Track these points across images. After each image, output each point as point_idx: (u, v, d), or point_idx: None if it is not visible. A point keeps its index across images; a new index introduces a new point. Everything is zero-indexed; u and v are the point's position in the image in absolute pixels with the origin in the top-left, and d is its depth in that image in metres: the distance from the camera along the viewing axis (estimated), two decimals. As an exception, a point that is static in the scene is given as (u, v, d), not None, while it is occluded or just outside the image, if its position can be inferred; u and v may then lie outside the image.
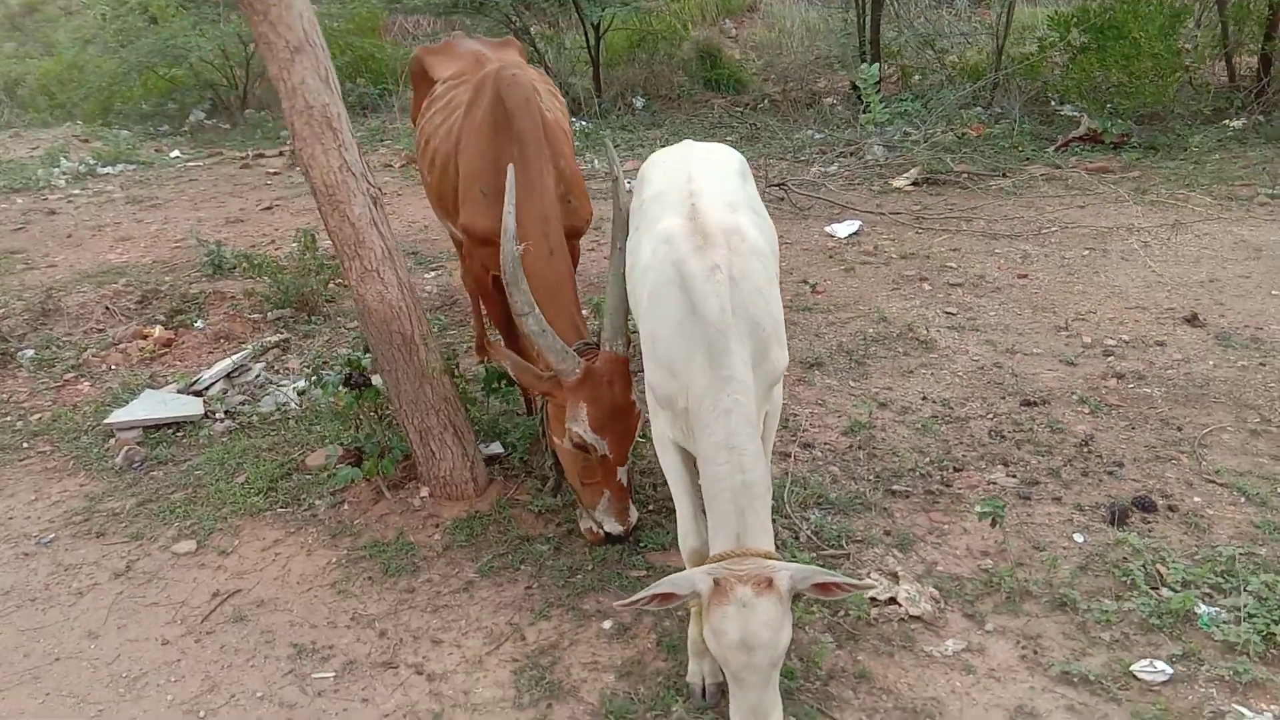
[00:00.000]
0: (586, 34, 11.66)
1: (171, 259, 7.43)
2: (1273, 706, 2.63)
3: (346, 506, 3.79)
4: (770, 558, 2.32)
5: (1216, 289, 5.48)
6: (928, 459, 3.91)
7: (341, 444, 4.00)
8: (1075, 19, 9.07)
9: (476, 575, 3.36)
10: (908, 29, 11.29)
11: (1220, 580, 3.09)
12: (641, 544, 3.41)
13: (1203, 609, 2.99)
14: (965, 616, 3.06)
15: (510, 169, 3.19)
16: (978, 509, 3.26)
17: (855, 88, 10.85)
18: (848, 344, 5.00)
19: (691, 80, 12.46)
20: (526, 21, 11.53)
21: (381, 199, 3.47)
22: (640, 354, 2.88)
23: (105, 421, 4.51)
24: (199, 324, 5.86)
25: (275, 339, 5.52)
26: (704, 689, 2.76)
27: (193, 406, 4.63)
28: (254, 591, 3.37)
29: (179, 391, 4.84)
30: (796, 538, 3.44)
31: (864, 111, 9.18)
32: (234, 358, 5.06)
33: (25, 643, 3.16)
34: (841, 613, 3.08)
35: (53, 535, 3.75)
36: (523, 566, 3.39)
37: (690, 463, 2.80)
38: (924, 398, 4.45)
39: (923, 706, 2.71)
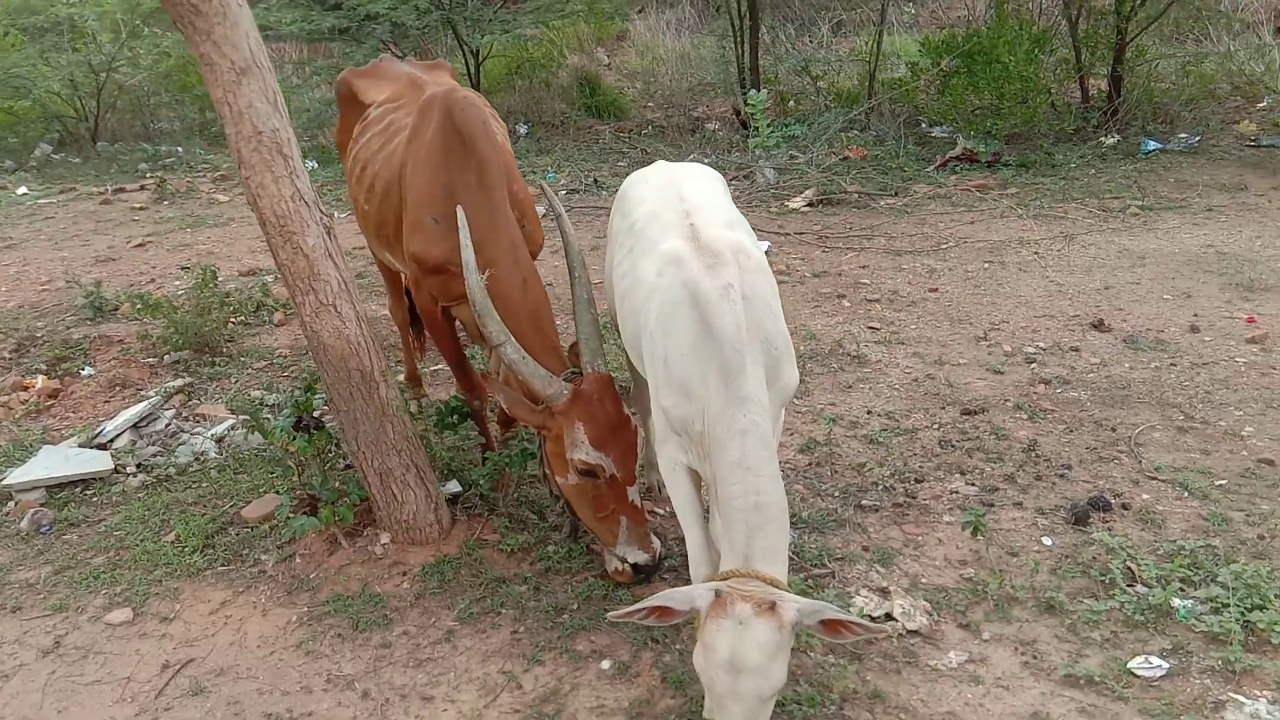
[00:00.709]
0: (466, 60, 11.50)
1: (39, 302, 6.88)
2: (1266, 691, 2.74)
3: (298, 559, 3.53)
4: (777, 585, 2.26)
5: (1113, 295, 5.78)
6: (888, 471, 3.95)
7: (278, 492, 3.76)
8: (946, 46, 9.50)
9: (456, 623, 3.18)
10: (785, 57, 11.60)
11: (1188, 573, 3.22)
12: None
13: (1178, 603, 3.10)
14: (960, 627, 3.08)
15: (464, 201, 3.11)
16: (962, 519, 3.30)
17: (738, 113, 11.10)
18: (783, 363, 5.03)
19: (572, 107, 12.45)
20: (403, 48, 11.26)
21: (334, 229, 3.26)
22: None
23: (3, 483, 4.08)
24: (87, 371, 5.42)
25: (179, 384, 5.14)
26: (723, 723, 2.67)
27: (100, 461, 4.25)
28: (209, 660, 3.09)
29: (80, 446, 4.44)
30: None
31: (752, 136, 9.35)
32: (139, 406, 4.68)
33: (-50, 738, 2.81)
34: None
35: (-41, 614, 3.36)
36: (504, 610, 3.22)
37: (700, 487, 2.74)
38: (869, 411, 4.51)
39: (942, 721, 2.70)
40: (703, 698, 2.73)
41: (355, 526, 3.61)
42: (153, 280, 7.28)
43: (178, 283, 7.13)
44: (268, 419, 3.58)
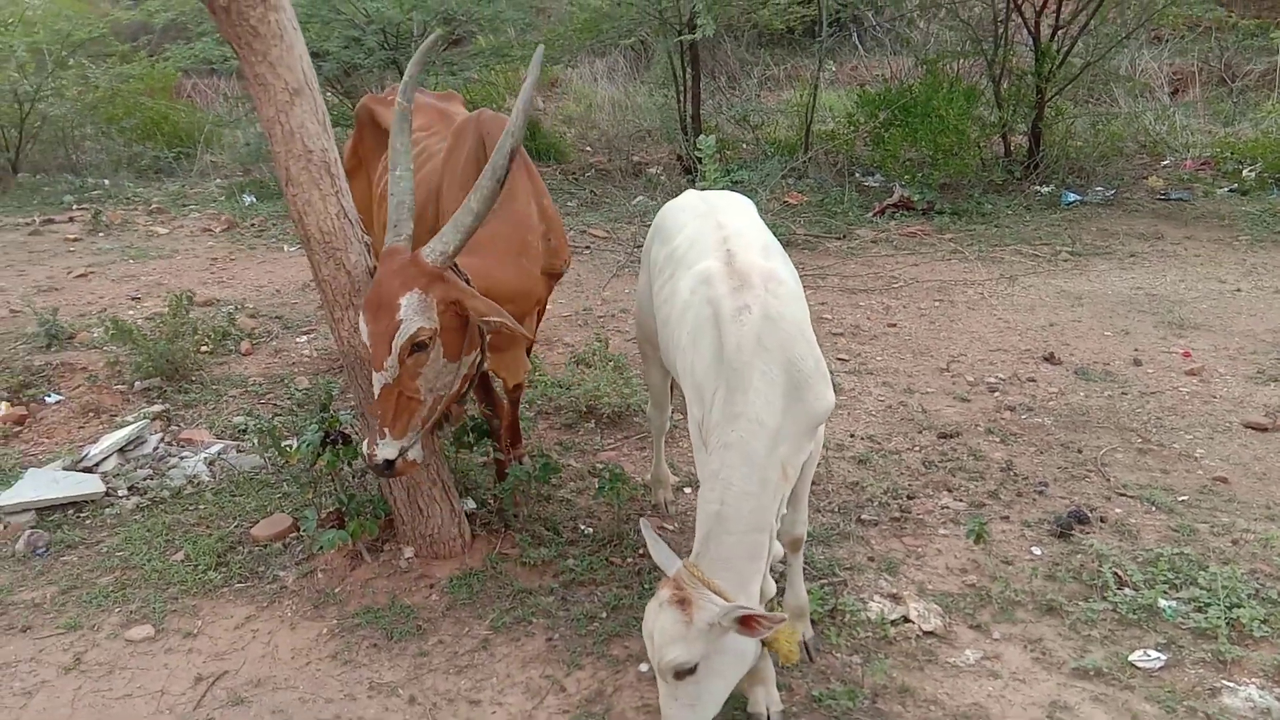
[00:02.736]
0: (411, 101, 11.57)
1: (-16, 331, 6.66)
2: (1254, 678, 3.00)
3: (320, 575, 3.54)
4: (714, 590, 2.42)
5: (1058, 332, 6.17)
6: (882, 489, 4.16)
7: (284, 512, 3.76)
8: (882, 99, 10.00)
9: (489, 632, 3.24)
10: (724, 108, 12.01)
11: (1170, 577, 3.48)
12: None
13: (1164, 603, 3.36)
14: (971, 628, 3.27)
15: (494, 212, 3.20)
16: (966, 528, 3.51)
17: (679, 158, 11.42)
18: (763, 391, 5.22)
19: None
20: (349, 86, 11.29)
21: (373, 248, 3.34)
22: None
23: (-7, 505, 3.98)
24: (53, 398, 5.29)
25: (156, 409, 5.07)
26: (768, 717, 2.80)
27: (92, 484, 4.17)
28: (243, 672, 3.08)
29: (65, 469, 4.35)
30: (792, 570, 3.56)
31: (699, 180, 9.64)
32: (125, 430, 4.60)
33: (-16, 754, 2.74)
34: (862, 634, 3.22)
35: (-32, 633, 3.27)
36: (535, 619, 3.30)
37: None
38: (851, 435, 4.73)
39: (970, 712, 2.87)
40: (742, 696, 2.88)
41: (376, 541, 3.64)
42: (103, 310, 7.11)
43: (131, 312, 7.00)
44: (305, 435, 3.57)
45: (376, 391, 2.90)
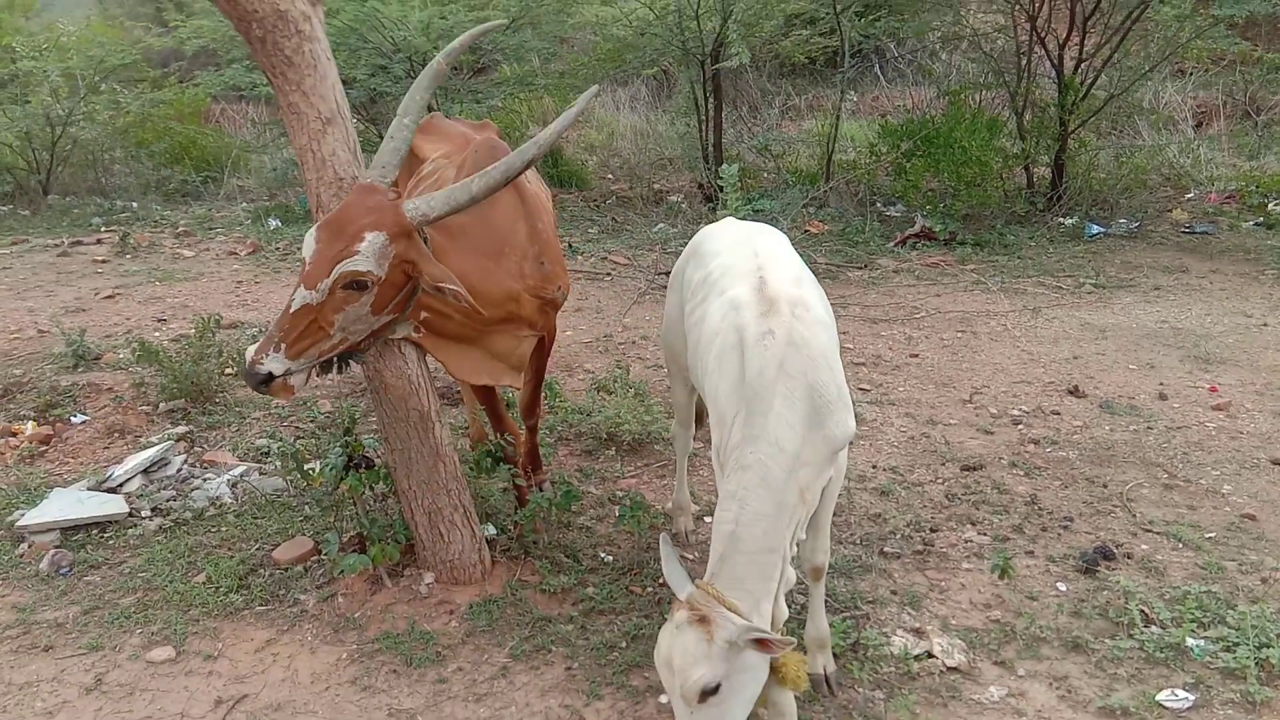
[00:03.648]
0: (435, 128, 11.68)
1: (12, 351, 6.74)
2: (1284, 720, 2.95)
3: (340, 599, 3.55)
4: (732, 609, 2.41)
5: (1082, 365, 6.12)
6: (904, 521, 4.13)
7: (305, 535, 3.76)
8: (905, 130, 10.02)
9: (509, 660, 3.23)
10: (746, 137, 12.07)
11: (1197, 615, 3.43)
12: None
13: (1192, 642, 3.31)
14: (995, 664, 3.24)
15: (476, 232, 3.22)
16: (991, 562, 3.48)
17: (701, 186, 11.47)
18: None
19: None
20: (374, 113, 11.42)
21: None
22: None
23: (18, 524, 4.01)
24: (78, 418, 5.34)
25: (180, 430, 5.11)
26: (789, 750, 2.77)
27: (115, 505, 4.20)
28: (263, 695, 3.08)
29: (89, 489, 4.38)
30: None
31: (720, 208, 9.67)
32: (150, 451, 4.64)
33: (6, 774, 2.75)
34: (885, 669, 3.19)
35: (-8, 651, 3.28)
36: (554, 648, 3.29)
37: None
38: (874, 466, 4.70)
39: (995, 750, 2.84)
40: (763, 727, 2.85)
41: (396, 566, 3.64)
42: (129, 331, 7.19)
43: (157, 334, 7.07)
44: (329, 458, 3.59)
45: (293, 306, 2.86)
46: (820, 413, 2.64)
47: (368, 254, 2.84)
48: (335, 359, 3.04)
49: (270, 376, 2.89)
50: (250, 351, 2.92)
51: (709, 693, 2.36)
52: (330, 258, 2.83)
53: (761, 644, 2.38)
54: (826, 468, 2.75)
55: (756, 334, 2.65)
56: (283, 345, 2.88)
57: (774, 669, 2.51)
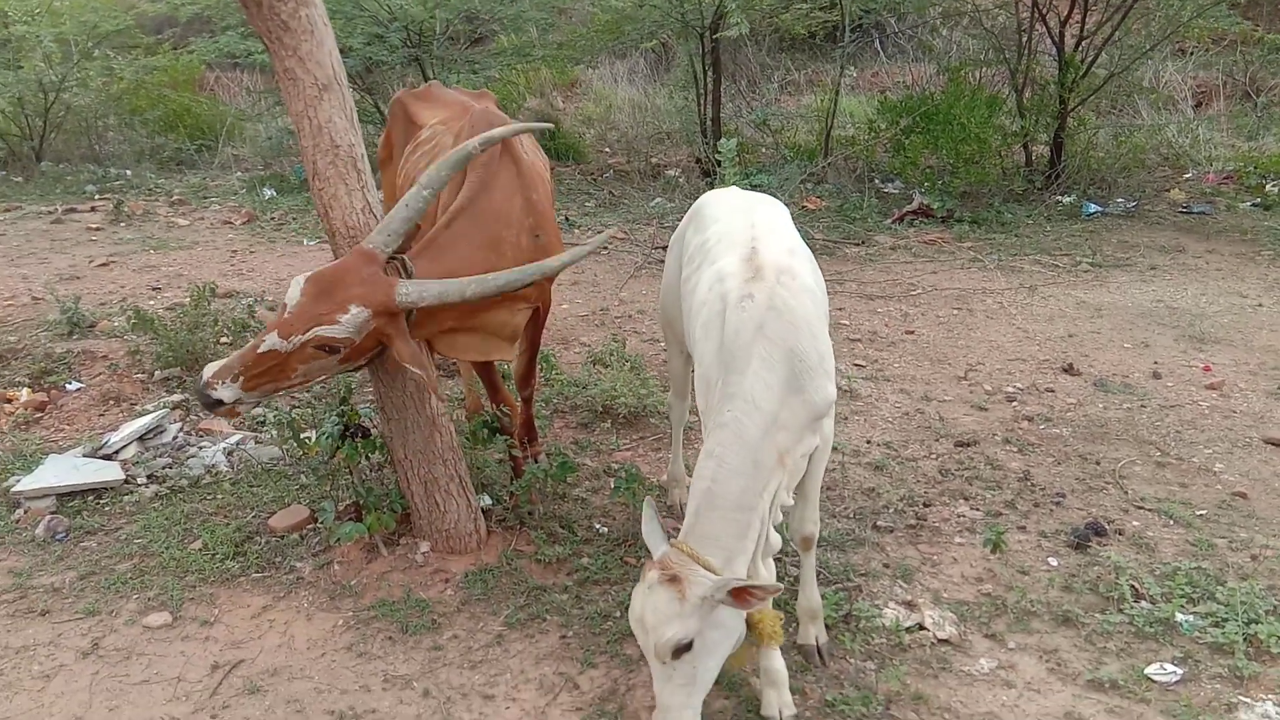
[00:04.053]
0: (431, 98, 11.61)
1: (6, 318, 6.72)
2: (1271, 695, 2.98)
3: (337, 566, 3.56)
4: (706, 566, 2.43)
5: (1077, 343, 6.14)
6: (898, 496, 4.15)
7: (301, 503, 3.77)
8: (904, 107, 9.98)
9: (504, 628, 3.25)
10: (744, 112, 12.01)
11: (1187, 591, 3.46)
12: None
13: (1181, 617, 3.34)
14: (986, 637, 3.26)
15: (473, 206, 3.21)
16: (984, 536, 3.50)
17: (698, 161, 11.42)
18: (779, 395, 5.22)
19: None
20: (370, 83, 11.34)
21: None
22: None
23: (14, 490, 4.02)
24: (73, 385, 5.33)
25: (176, 399, 5.11)
26: (782, 720, 2.80)
27: (111, 471, 4.21)
28: (259, 661, 3.10)
29: (85, 456, 4.38)
30: (807, 574, 3.56)
31: (718, 182, 9.64)
32: (145, 419, 4.64)
33: (3, 735, 2.77)
34: (876, 640, 3.22)
35: (-11, 615, 3.30)
36: (549, 616, 3.31)
37: None
38: (868, 441, 4.72)
39: (984, 720, 2.87)
40: (755, 699, 2.88)
41: (392, 535, 3.66)
42: (124, 299, 7.16)
43: (151, 302, 7.05)
44: (325, 427, 3.59)
45: (261, 348, 2.86)
46: (800, 378, 2.62)
47: (348, 325, 2.86)
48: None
49: (220, 402, 2.92)
50: (208, 372, 2.94)
51: (682, 649, 2.37)
52: (310, 316, 2.84)
53: (740, 595, 2.37)
54: (808, 434, 2.73)
55: (737, 297, 2.67)
56: (240, 378, 2.89)
57: (750, 625, 2.53)
